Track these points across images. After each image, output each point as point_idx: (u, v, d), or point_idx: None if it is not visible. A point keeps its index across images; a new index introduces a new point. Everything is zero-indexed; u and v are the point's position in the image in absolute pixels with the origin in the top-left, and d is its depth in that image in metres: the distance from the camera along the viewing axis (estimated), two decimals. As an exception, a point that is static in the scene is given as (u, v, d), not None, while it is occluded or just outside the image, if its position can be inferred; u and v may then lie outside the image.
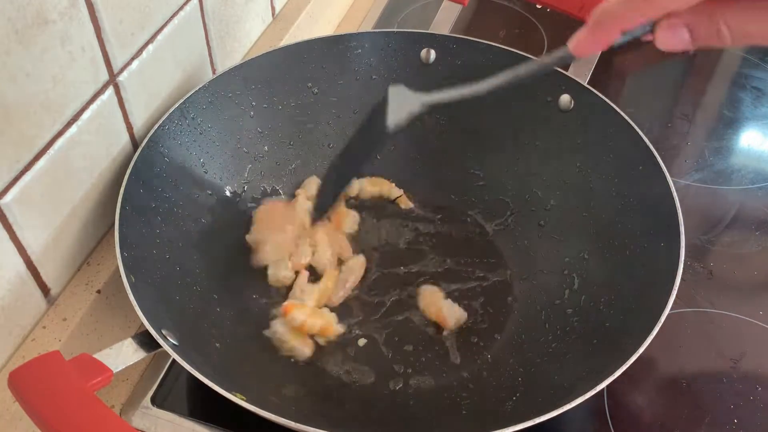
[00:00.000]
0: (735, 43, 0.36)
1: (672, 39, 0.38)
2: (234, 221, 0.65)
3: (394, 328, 0.61)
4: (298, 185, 0.69)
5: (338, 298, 0.62)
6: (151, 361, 0.59)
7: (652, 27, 0.38)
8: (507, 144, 0.69)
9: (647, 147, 0.58)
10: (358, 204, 0.70)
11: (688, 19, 0.36)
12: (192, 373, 0.45)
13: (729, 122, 0.83)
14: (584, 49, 0.40)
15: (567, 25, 0.73)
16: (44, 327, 0.53)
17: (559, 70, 0.65)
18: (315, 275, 0.63)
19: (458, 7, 0.75)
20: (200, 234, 0.61)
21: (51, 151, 0.49)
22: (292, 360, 0.58)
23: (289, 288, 0.62)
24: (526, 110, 0.67)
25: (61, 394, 0.41)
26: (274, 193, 0.69)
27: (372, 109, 0.54)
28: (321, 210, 0.58)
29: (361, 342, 0.60)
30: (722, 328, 0.63)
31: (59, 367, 0.42)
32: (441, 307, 0.60)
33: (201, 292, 0.57)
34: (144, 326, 0.47)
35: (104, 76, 0.53)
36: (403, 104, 0.53)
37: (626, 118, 0.61)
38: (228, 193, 0.65)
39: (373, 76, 0.70)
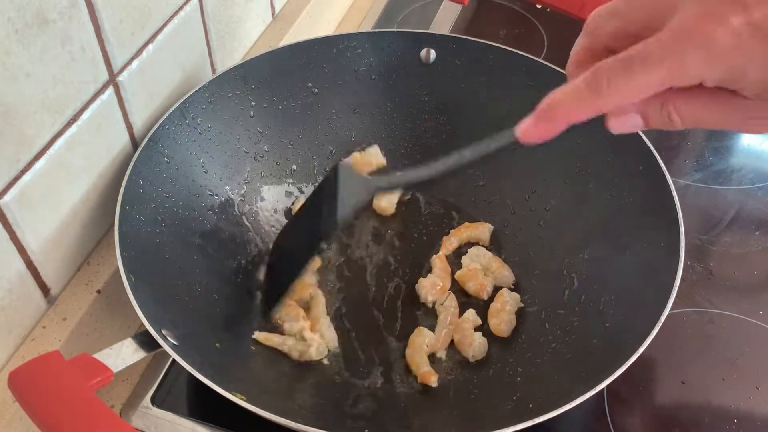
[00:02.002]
0: (686, 126, 0.37)
1: (624, 125, 0.39)
2: (234, 221, 0.65)
3: (394, 329, 0.61)
4: (299, 185, 0.70)
5: None
6: (151, 361, 0.59)
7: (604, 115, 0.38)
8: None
9: (647, 147, 0.58)
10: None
11: (639, 107, 0.37)
12: (192, 373, 0.45)
13: (729, 122, 0.83)
14: (530, 138, 0.41)
15: (567, 25, 0.73)
16: (44, 327, 0.53)
17: (560, 69, 0.65)
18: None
19: (458, 7, 0.75)
20: (200, 234, 0.61)
21: (51, 151, 0.49)
22: (293, 360, 0.58)
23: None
24: (526, 110, 0.66)
25: (61, 394, 0.41)
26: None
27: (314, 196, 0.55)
28: (271, 306, 0.59)
29: (363, 341, 0.60)
30: (722, 328, 0.63)
31: (59, 367, 0.42)
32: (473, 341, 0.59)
33: (201, 292, 0.57)
34: (144, 326, 0.47)
35: (104, 76, 0.53)
36: (353, 191, 0.53)
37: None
38: (228, 193, 0.65)
39: (373, 76, 0.70)
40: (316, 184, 0.58)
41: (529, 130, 0.40)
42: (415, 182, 0.51)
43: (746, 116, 0.36)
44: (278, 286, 0.59)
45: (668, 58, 0.33)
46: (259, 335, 0.58)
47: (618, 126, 0.39)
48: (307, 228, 0.57)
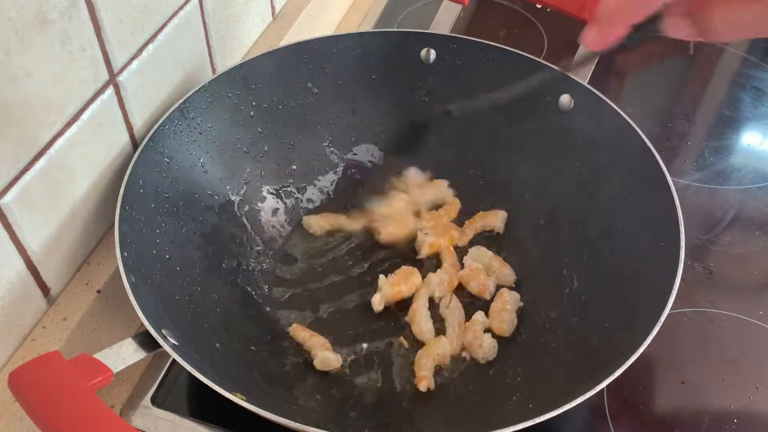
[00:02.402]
0: (724, 37, 0.37)
1: (677, 30, 0.39)
2: (234, 221, 0.65)
3: (393, 328, 0.61)
4: (299, 185, 0.70)
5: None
6: (151, 361, 0.59)
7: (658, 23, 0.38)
8: (506, 144, 0.69)
9: (647, 147, 0.58)
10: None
11: (684, 8, 0.37)
12: (192, 373, 0.45)
13: (729, 122, 0.83)
14: (594, 44, 0.40)
15: (567, 25, 0.73)
16: (44, 327, 0.53)
17: (560, 69, 0.65)
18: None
19: (458, 7, 0.75)
20: (200, 234, 0.61)
21: (51, 151, 0.49)
22: (293, 360, 0.58)
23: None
24: (525, 110, 0.67)
25: (61, 394, 0.41)
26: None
27: None
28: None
29: (365, 344, 0.60)
30: (722, 328, 0.63)
31: (59, 367, 0.42)
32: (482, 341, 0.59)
33: (201, 292, 0.57)
34: (144, 326, 0.47)
35: (104, 76, 0.53)
36: None
37: (626, 118, 0.61)
38: (228, 193, 0.65)
39: (373, 76, 0.70)
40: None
41: (593, 36, 0.40)
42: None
43: None
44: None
45: None
46: (296, 328, 0.60)
47: (672, 31, 0.39)
48: None
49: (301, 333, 0.59)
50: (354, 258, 0.66)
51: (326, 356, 0.57)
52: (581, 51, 0.43)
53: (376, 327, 0.61)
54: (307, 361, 0.58)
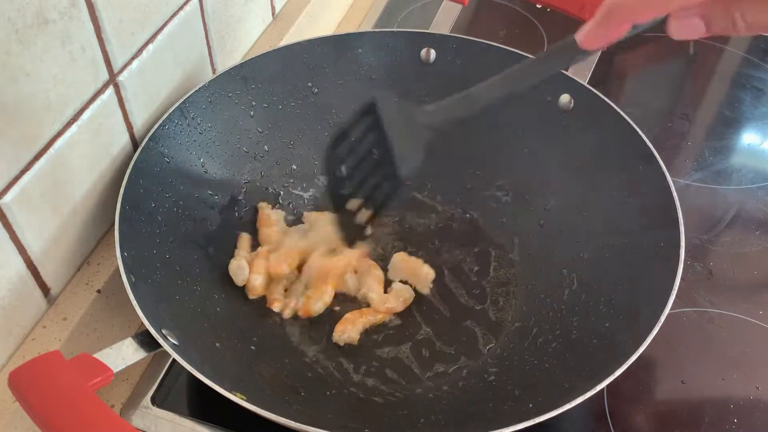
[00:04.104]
0: (749, 32, 0.36)
1: (686, 29, 0.37)
2: (234, 221, 0.65)
3: (395, 328, 0.61)
4: (298, 186, 0.70)
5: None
6: (151, 361, 0.59)
7: (665, 18, 0.37)
8: (506, 144, 0.69)
9: (647, 147, 0.58)
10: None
11: (702, 10, 0.36)
12: (192, 373, 0.45)
13: (729, 122, 0.83)
14: (593, 42, 0.39)
15: (567, 25, 0.73)
16: (44, 327, 0.53)
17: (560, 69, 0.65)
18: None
19: (458, 7, 0.75)
20: (200, 234, 0.61)
21: (51, 151, 0.49)
22: (293, 360, 0.58)
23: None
24: (526, 110, 0.67)
25: (61, 393, 0.41)
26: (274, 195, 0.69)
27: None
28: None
29: (363, 341, 0.60)
30: (722, 328, 0.63)
31: (59, 366, 0.42)
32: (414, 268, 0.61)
33: (201, 292, 0.58)
34: (144, 326, 0.47)
35: (104, 76, 0.53)
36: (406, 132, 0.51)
37: (626, 118, 0.61)
38: (228, 193, 0.65)
39: (373, 76, 0.70)
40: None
41: (590, 34, 0.38)
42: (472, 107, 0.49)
43: None
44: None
45: None
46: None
47: (678, 30, 0.37)
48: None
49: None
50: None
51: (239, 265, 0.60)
52: (567, 47, 0.41)
53: (374, 326, 0.61)
54: (308, 359, 0.58)
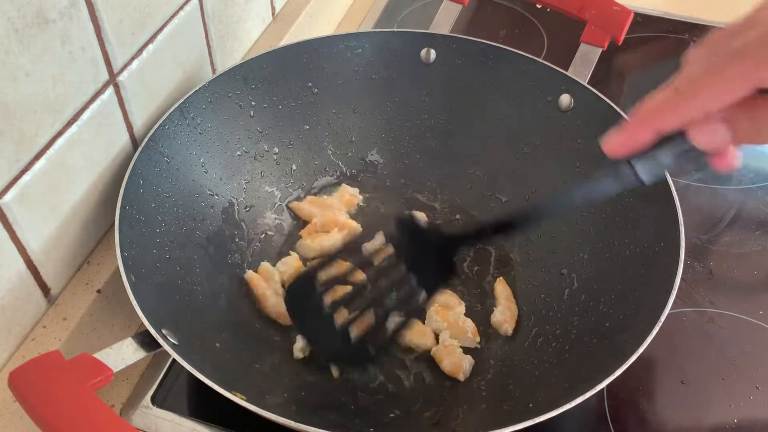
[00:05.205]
0: None
1: (710, 136, 0.36)
2: (234, 221, 0.65)
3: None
4: (299, 185, 0.70)
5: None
6: (151, 361, 0.59)
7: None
8: (506, 144, 0.69)
9: (647, 147, 0.58)
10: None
11: (727, 116, 0.35)
12: (192, 373, 0.45)
13: (729, 122, 0.83)
14: (616, 151, 0.39)
15: (567, 25, 0.73)
16: (44, 327, 0.53)
17: (560, 69, 0.65)
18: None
19: (458, 7, 0.75)
20: (200, 234, 0.61)
21: (51, 151, 0.49)
22: (293, 360, 0.58)
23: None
24: (526, 110, 0.67)
25: (61, 393, 0.41)
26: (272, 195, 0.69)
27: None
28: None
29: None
30: (722, 328, 0.63)
31: (59, 366, 0.42)
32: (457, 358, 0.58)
33: (201, 292, 0.58)
34: (144, 326, 0.47)
35: (104, 76, 0.53)
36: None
37: (626, 118, 0.61)
38: (228, 193, 0.65)
39: (373, 76, 0.70)
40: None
41: (613, 141, 0.39)
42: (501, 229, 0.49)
43: None
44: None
45: (759, 50, 0.32)
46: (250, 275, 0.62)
47: (703, 138, 0.36)
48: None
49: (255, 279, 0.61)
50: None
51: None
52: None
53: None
54: (308, 359, 0.58)
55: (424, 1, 0.97)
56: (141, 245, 0.54)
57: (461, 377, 0.57)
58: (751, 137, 0.36)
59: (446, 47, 0.69)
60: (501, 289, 0.63)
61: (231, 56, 0.72)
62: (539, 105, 0.66)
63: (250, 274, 0.62)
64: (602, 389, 0.45)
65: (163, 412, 0.56)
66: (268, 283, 0.61)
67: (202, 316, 0.56)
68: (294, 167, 0.70)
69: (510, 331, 0.60)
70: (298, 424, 0.43)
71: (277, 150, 0.69)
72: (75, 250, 0.56)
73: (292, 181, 0.70)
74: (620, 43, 0.69)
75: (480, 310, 0.62)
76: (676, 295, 0.49)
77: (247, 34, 0.74)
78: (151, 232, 0.56)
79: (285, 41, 0.77)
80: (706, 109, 0.35)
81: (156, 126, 0.59)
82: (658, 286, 0.51)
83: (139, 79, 0.57)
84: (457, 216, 0.70)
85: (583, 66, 0.68)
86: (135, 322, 0.59)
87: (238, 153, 0.66)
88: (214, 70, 0.69)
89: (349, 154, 0.72)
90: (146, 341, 0.47)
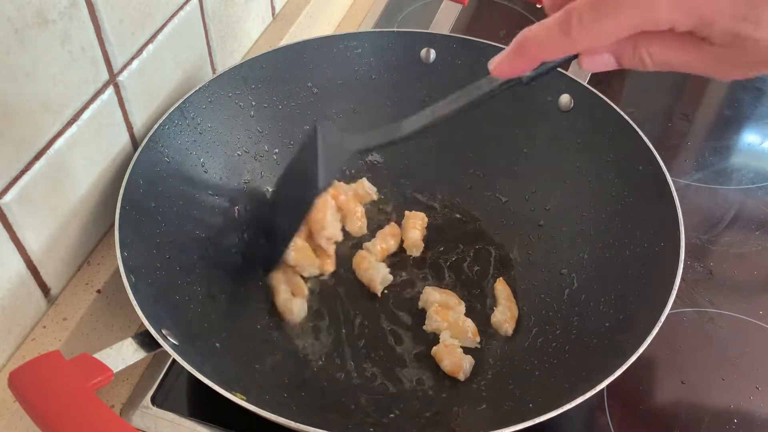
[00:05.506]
0: (656, 69, 0.38)
1: (595, 64, 0.39)
2: (234, 221, 0.65)
3: (395, 326, 0.61)
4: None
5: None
6: (151, 361, 0.59)
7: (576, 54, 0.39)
8: (507, 144, 0.69)
9: (647, 147, 0.58)
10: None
11: (612, 47, 0.38)
12: (192, 373, 0.45)
13: (729, 122, 0.83)
14: (503, 72, 0.41)
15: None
16: (44, 327, 0.53)
17: (560, 69, 0.65)
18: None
19: (458, 7, 0.75)
20: (200, 234, 0.61)
21: (51, 151, 0.49)
22: (293, 359, 0.58)
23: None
24: (526, 110, 0.67)
25: (61, 394, 0.41)
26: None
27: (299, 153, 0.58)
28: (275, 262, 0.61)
29: (362, 342, 0.60)
30: (722, 328, 0.63)
31: (59, 367, 0.42)
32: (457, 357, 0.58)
33: (201, 292, 0.57)
34: (144, 326, 0.47)
35: (104, 76, 0.53)
36: (334, 152, 0.55)
37: (626, 118, 0.61)
38: (228, 193, 0.65)
39: (373, 76, 0.70)
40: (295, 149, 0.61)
41: (501, 64, 0.41)
42: (395, 139, 0.52)
43: (713, 62, 0.37)
44: (274, 251, 0.61)
45: (641, 4, 0.34)
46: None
47: (589, 64, 0.40)
48: (293, 192, 0.59)
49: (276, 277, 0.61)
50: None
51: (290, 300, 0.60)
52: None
53: (380, 328, 0.61)
54: (308, 359, 0.58)
55: (424, 1, 0.97)
56: (141, 245, 0.54)
57: (461, 377, 0.57)
58: (635, 65, 0.38)
59: (446, 47, 0.69)
60: (501, 289, 0.63)
61: (231, 56, 0.72)
62: (539, 105, 0.66)
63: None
64: (602, 389, 0.45)
65: (163, 412, 0.56)
66: (287, 276, 0.62)
67: (202, 316, 0.56)
68: (294, 167, 0.70)
69: (510, 331, 0.60)
70: (298, 424, 0.43)
71: (277, 150, 0.69)
72: (75, 250, 0.56)
73: (292, 181, 0.70)
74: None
75: (480, 310, 0.62)
76: (676, 295, 0.49)
77: (247, 34, 0.74)
78: (151, 232, 0.56)
79: (285, 41, 0.77)
80: (591, 48, 0.38)
81: (156, 126, 0.59)
82: (658, 286, 0.51)
83: (139, 79, 0.57)
84: (457, 216, 0.70)
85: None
86: (135, 322, 0.59)
87: (238, 153, 0.66)
88: (214, 70, 0.69)
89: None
90: (146, 341, 0.47)
